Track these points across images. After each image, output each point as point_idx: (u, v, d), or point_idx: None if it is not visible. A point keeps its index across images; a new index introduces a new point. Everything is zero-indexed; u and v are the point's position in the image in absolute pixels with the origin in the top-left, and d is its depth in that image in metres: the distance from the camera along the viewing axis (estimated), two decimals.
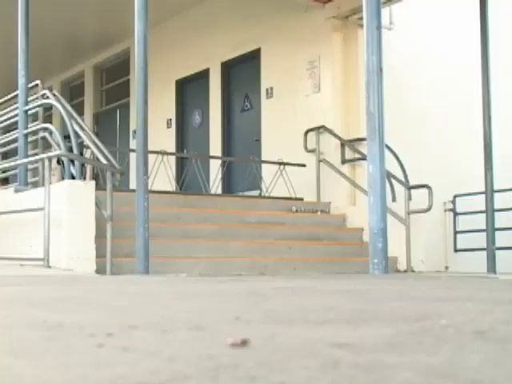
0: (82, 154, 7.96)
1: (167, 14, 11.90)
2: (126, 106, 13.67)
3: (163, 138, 12.08)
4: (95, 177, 8.39)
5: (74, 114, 7.75)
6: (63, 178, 7.45)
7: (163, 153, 9.18)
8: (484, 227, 8.67)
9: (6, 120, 8.89)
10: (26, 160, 7.90)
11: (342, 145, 9.40)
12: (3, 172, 9.20)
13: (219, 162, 10.68)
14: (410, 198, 8.50)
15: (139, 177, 6.48)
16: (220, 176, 10.37)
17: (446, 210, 10.20)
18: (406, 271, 8.35)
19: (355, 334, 1.67)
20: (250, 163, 10.12)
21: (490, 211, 8.61)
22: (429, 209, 8.34)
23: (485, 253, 8.62)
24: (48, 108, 9.13)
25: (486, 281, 5.39)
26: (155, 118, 10.16)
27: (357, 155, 9.14)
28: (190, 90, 12.40)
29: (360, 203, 8.91)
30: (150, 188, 6.81)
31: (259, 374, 1.15)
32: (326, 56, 9.72)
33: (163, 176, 9.36)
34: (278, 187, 9.51)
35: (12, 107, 8.77)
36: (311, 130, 9.63)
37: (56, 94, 8.31)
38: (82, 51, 14.50)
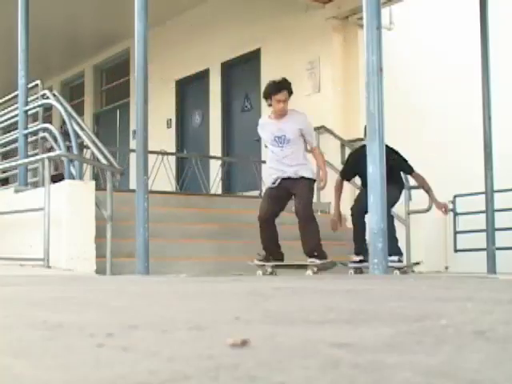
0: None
1: (167, 15, 11.90)
2: (126, 106, 13.67)
3: (163, 138, 12.08)
4: (95, 177, 8.39)
5: (74, 114, 7.76)
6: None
7: (163, 153, 9.19)
8: (484, 227, 8.67)
9: (6, 120, 8.90)
10: (26, 160, 7.90)
11: (342, 145, 9.40)
12: (3, 172, 9.20)
13: (219, 162, 10.67)
14: (410, 198, 8.50)
15: (139, 177, 6.48)
16: (220, 176, 10.37)
17: None
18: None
19: (355, 334, 1.67)
20: (250, 163, 10.12)
21: (490, 211, 8.61)
22: (429, 209, 8.33)
23: (485, 253, 8.61)
24: (48, 108, 9.13)
25: (486, 281, 5.38)
26: (155, 118, 10.16)
27: None
28: (189, 90, 12.40)
29: None
30: (150, 188, 6.82)
31: (259, 374, 1.15)
32: (325, 56, 9.72)
33: (163, 176, 9.36)
34: None
35: (12, 107, 8.77)
36: None
37: (56, 94, 8.31)
38: (81, 51, 14.50)
